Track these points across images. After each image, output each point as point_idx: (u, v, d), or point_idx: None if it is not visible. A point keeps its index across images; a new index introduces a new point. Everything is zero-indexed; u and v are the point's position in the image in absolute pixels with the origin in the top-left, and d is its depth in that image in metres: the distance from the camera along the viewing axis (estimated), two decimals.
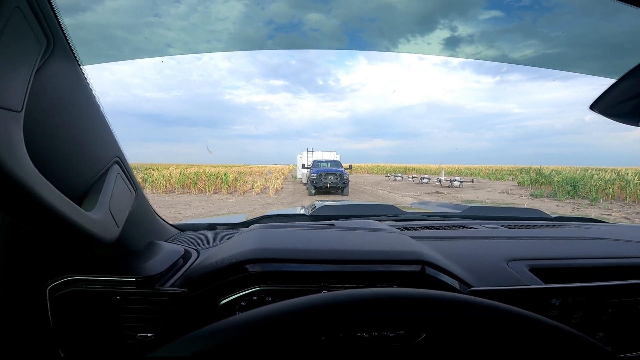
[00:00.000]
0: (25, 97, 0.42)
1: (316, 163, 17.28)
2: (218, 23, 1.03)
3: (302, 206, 1.83)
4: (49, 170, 0.48)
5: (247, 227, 1.10)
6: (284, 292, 0.74)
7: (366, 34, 1.25)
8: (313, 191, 14.45)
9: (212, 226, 1.31)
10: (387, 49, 1.34)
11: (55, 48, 0.50)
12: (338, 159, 19.54)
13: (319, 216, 1.43)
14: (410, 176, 28.73)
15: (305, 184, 17.69)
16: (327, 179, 14.43)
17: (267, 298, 0.74)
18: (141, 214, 0.84)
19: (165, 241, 0.97)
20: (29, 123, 0.43)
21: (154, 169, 24.36)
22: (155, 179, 17.32)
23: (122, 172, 0.71)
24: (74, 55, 0.56)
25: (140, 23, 0.94)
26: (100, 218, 0.58)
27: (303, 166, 19.07)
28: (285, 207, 10.33)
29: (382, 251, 0.82)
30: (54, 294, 0.68)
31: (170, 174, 18.79)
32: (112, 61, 0.90)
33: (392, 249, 0.84)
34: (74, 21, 0.50)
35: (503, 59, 1.29)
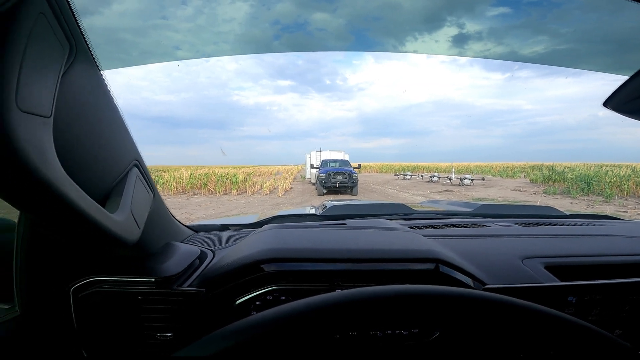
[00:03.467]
0: (53, 102, 0.44)
1: (325, 163, 17.27)
2: (224, 24, 1.04)
3: (312, 206, 1.83)
4: (75, 173, 0.49)
5: (260, 227, 1.11)
6: (298, 291, 0.74)
7: (372, 32, 1.24)
8: (322, 191, 14.45)
9: (225, 227, 1.32)
10: (394, 48, 1.33)
11: (77, 53, 0.51)
12: (347, 158, 19.50)
13: (330, 216, 1.44)
14: (420, 175, 28.50)
15: (314, 183, 17.69)
16: (336, 179, 14.42)
17: (281, 297, 0.74)
18: (158, 216, 0.85)
19: (181, 242, 0.98)
20: (55, 128, 0.45)
21: (164, 171, 24.67)
22: (167, 181, 17.55)
23: (140, 175, 0.73)
24: (95, 59, 0.57)
25: (147, 25, 0.95)
26: (124, 220, 0.59)
27: (312, 166, 19.07)
28: (295, 207, 10.35)
29: (396, 250, 0.81)
30: (78, 295, 0.70)
31: (180, 176, 19.02)
32: (122, 66, 0.91)
33: (406, 247, 0.83)
34: (81, 19, 0.51)
35: (512, 55, 1.27)
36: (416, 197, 13.37)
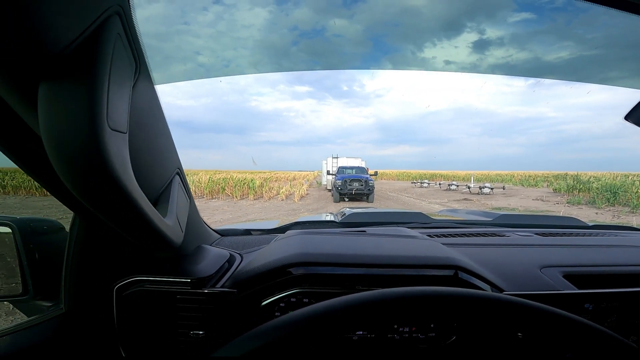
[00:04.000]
0: (128, 119, 0.47)
1: (341, 170, 17.26)
2: (244, 30, 1.06)
3: (329, 212, 1.85)
4: (138, 182, 0.53)
5: (281, 233, 1.17)
6: (320, 294, 0.77)
7: (390, 38, 1.24)
8: (338, 198, 14.44)
9: (248, 232, 1.37)
10: (412, 54, 1.32)
11: (141, 69, 0.54)
12: (363, 165, 19.43)
13: (349, 223, 1.46)
14: (438, 183, 28.06)
15: (330, 190, 17.71)
16: (352, 186, 14.38)
17: (304, 300, 0.76)
18: (192, 220, 0.90)
19: (211, 245, 1.03)
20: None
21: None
22: None
23: (181, 182, 0.78)
24: (150, 74, 0.61)
25: (171, 31, 0.98)
26: (172, 224, 0.64)
27: (328, 172, 19.09)
28: (311, 213, 10.37)
29: (416, 256, 0.83)
30: (121, 293, 0.73)
31: (199, 180, 19.37)
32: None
33: (425, 254, 0.85)
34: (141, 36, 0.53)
35: (536, 61, 1.24)
36: (433, 206, 13.16)
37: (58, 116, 0.37)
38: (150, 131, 0.63)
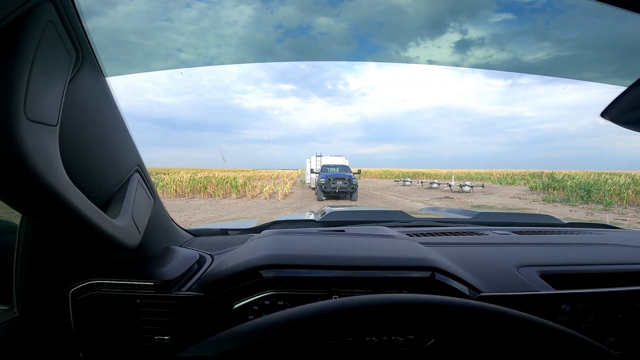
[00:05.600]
0: (59, 111, 0.44)
1: (325, 168, 17.29)
2: (228, 27, 1.04)
3: (311, 211, 1.84)
4: (78, 179, 0.49)
5: (259, 232, 1.12)
6: (295, 296, 0.75)
7: (375, 37, 1.25)
8: (322, 196, 14.44)
9: (224, 231, 1.33)
10: (397, 53, 1.33)
11: (83, 59, 0.51)
12: (347, 163, 19.52)
13: (329, 222, 1.45)
14: (420, 181, 28.49)
15: (314, 188, 17.71)
16: (336, 184, 14.41)
17: (278, 302, 0.75)
18: (158, 220, 0.86)
19: (180, 246, 0.99)
20: (60, 134, 0.45)
21: (165, 174, 24.70)
22: (166, 183, 17.56)
23: (142, 180, 0.74)
24: (100, 65, 0.57)
25: (152, 27, 0.95)
26: (125, 225, 0.60)
27: (312, 171, 19.07)
28: (294, 211, 10.34)
29: (392, 257, 0.82)
30: (77, 297, 0.70)
31: (180, 179, 19.01)
32: (126, 68, 0.91)
33: (402, 255, 0.84)
34: (88, 26, 0.50)
35: (515, 62, 1.28)
36: (415, 204, 13.36)
37: None
38: (99, 126, 0.59)
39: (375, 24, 1.19)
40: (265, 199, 15.31)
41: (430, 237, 1.16)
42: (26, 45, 0.37)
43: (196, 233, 1.24)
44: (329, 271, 0.77)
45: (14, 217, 0.74)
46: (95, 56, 0.55)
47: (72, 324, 0.70)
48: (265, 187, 19.19)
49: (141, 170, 0.74)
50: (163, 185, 17.27)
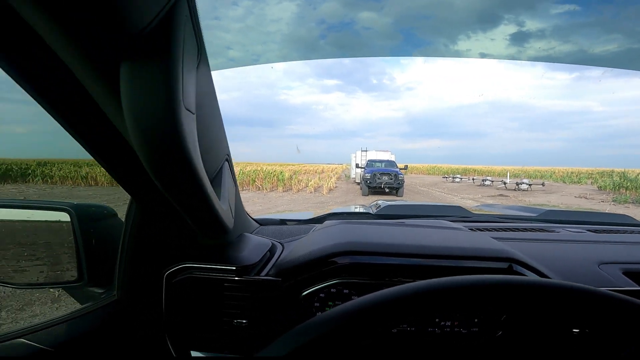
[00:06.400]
0: (194, 100, 0.48)
1: (370, 163, 17.08)
2: (272, 24, 1.06)
3: (359, 205, 1.83)
4: None
5: (317, 223, 1.17)
6: (360, 284, 0.76)
7: (421, 31, 1.20)
8: (367, 191, 14.33)
9: (283, 222, 1.38)
10: (445, 47, 1.27)
11: (201, 54, 0.55)
12: (393, 159, 19.10)
13: (385, 215, 1.42)
14: (471, 178, 27.08)
15: (358, 183, 17.59)
16: (382, 179, 14.21)
17: (344, 290, 0.76)
18: (237, 208, 0.90)
19: (251, 234, 1.03)
20: None
21: None
22: None
23: (229, 169, 0.79)
24: (208, 60, 0.62)
25: (202, 26, 0.99)
26: (226, 208, 0.66)
27: (357, 166, 18.98)
28: (339, 205, 10.35)
29: (467, 247, 0.80)
30: (171, 280, 0.73)
31: None
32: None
33: (477, 245, 0.82)
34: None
35: (580, 54, 1.17)
36: (466, 201, 12.74)
37: (138, 94, 0.38)
38: (207, 115, 0.63)
39: (421, 18, 1.15)
40: (311, 192, 15.49)
41: (497, 232, 1.10)
42: (177, 39, 0.39)
43: (261, 222, 1.27)
44: (405, 259, 0.77)
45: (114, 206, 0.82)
46: (205, 50, 0.58)
47: (163, 306, 0.73)
48: (311, 181, 19.41)
49: (229, 160, 0.79)
50: None
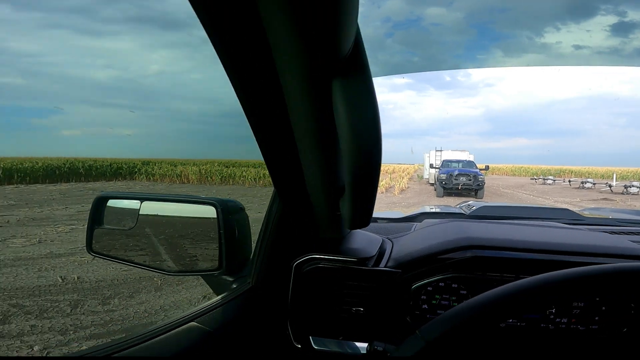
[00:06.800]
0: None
1: (446, 163, 16.22)
2: None
3: (435, 205, 1.74)
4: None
5: (409, 222, 1.22)
6: (468, 279, 0.78)
7: (498, 25, 1.09)
8: (442, 192, 13.73)
9: (374, 220, 1.38)
10: (529, 39, 1.12)
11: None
12: (471, 158, 17.85)
13: (481, 216, 1.36)
14: (566, 179, 23.92)
15: (432, 184, 16.88)
16: (459, 180, 13.47)
17: (452, 285, 0.78)
18: None
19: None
20: None
21: None
22: None
23: None
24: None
25: None
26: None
27: (431, 166, 18.17)
28: (411, 207, 10.01)
29: (602, 246, 0.77)
30: (299, 270, 0.80)
31: None
32: None
33: (612, 244, 0.79)
34: None
35: None
36: (560, 205, 11.29)
37: (349, 108, 0.44)
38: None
39: (496, 11, 1.04)
40: (382, 192, 15.23)
41: (635, 236, 1.00)
42: (367, 60, 0.45)
43: None
44: (530, 254, 0.77)
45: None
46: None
47: (289, 295, 0.80)
48: (382, 181, 19.06)
49: None
50: None
